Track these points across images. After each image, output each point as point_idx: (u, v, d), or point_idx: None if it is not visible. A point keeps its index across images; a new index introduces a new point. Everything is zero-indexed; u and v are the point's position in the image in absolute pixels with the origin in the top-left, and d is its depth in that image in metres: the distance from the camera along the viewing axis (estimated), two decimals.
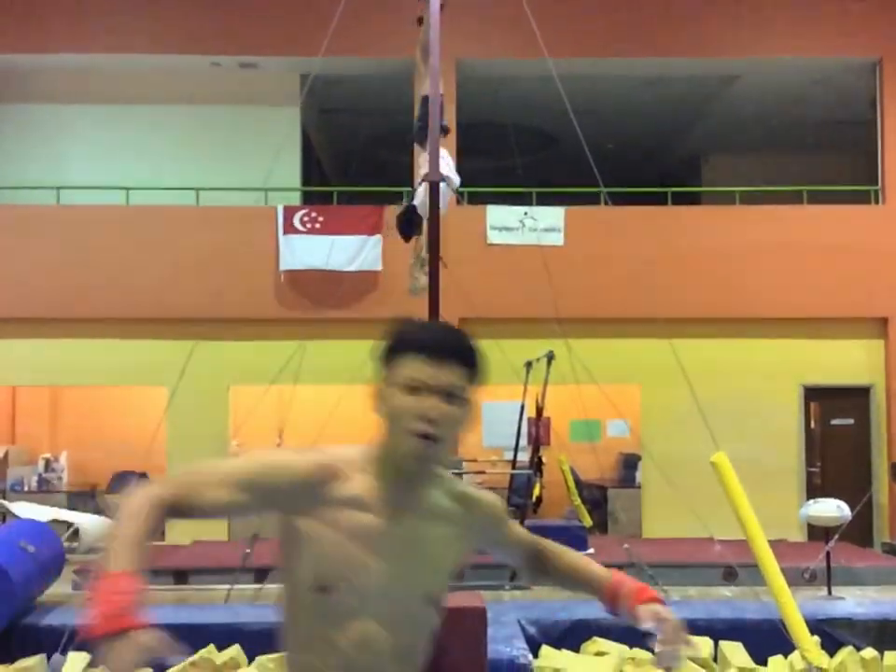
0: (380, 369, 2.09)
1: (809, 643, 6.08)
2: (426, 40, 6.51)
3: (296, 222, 12.79)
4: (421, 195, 6.19)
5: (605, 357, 12.23)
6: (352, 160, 13.75)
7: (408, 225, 6.37)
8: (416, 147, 6.42)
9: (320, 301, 11.65)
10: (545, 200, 13.23)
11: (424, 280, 5.93)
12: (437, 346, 2.03)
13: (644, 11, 13.23)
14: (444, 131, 6.54)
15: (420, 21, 6.80)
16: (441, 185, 6.06)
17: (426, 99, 6.35)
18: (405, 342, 2.07)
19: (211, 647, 6.54)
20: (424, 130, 6.30)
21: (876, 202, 13.39)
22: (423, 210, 6.10)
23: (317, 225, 12.74)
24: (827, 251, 12.99)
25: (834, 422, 13.32)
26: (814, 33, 13.25)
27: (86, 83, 13.92)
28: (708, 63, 13.56)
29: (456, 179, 6.57)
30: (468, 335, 2.11)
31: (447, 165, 6.45)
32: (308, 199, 14.18)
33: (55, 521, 8.95)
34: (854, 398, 13.19)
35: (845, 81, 14.05)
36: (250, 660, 6.57)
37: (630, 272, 12.41)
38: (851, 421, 13.26)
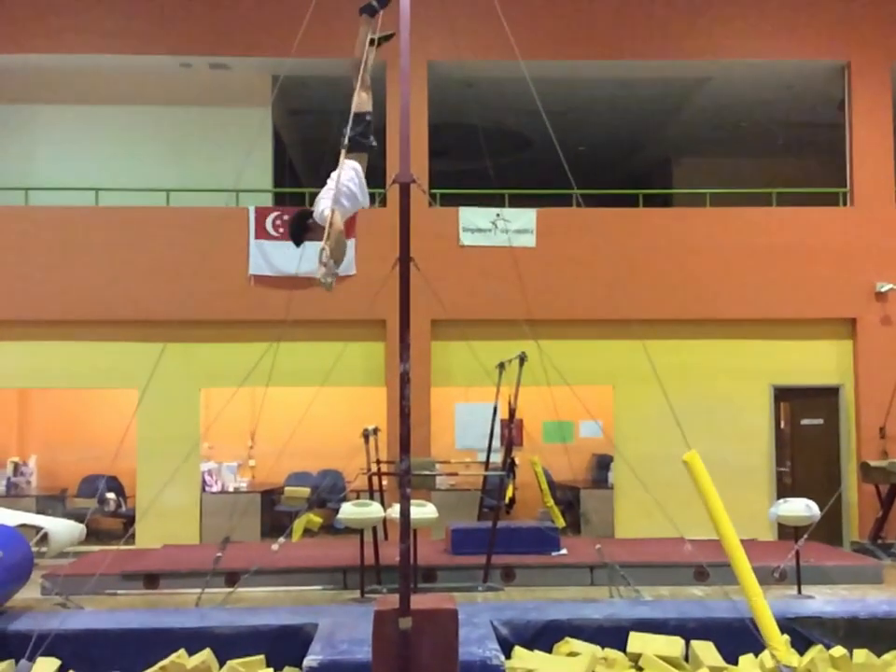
0: None
1: (779, 642, 6.12)
2: (359, 58, 6.02)
3: (268, 225, 12.73)
4: (322, 204, 5.93)
5: (577, 358, 12.29)
6: (324, 161, 13.67)
7: (300, 231, 6.04)
8: (345, 157, 6.16)
9: (291, 303, 11.59)
10: (517, 201, 13.25)
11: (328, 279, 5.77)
12: None
13: (616, 14, 13.28)
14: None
15: (371, 11, 6.07)
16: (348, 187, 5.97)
17: (357, 116, 6.16)
18: None
19: (182, 651, 6.51)
20: (355, 142, 6.25)
21: (845, 204, 13.51)
22: (320, 219, 5.89)
23: None
24: (796, 253, 13.11)
25: (804, 422, 13.43)
26: (783, 37, 13.36)
27: (55, 83, 13.78)
28: (679, 65, 13.63)
29: (364, 201, 6.38)
30: None
31: (353, 181, 6.21)
32: (280, 200, 14.12)
33: (24, 525, 8.85)
34: (823, 398, 13.30)
35: (814, 84, 14.18)
36: (221, 664, 6.53)
37: (601, 273, 12.44)
38: (821, 421, 13.36)
